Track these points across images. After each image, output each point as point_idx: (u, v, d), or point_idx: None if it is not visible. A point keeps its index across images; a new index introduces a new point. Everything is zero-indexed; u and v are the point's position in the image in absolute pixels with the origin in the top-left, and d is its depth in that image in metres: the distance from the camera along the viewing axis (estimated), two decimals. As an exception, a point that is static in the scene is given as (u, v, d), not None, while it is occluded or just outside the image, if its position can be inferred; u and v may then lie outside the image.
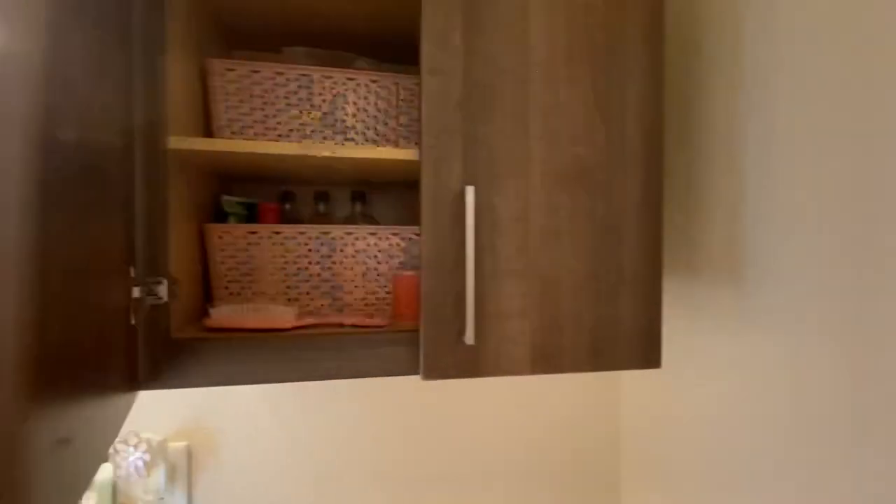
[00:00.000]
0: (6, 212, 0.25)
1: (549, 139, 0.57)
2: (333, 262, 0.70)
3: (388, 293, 0.72)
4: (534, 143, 0.57)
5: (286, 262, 0.69)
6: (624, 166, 0.60)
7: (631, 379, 0.95)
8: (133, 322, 0.47)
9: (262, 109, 0.68)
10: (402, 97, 0.72)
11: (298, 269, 0.69)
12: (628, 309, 0.60)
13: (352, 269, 0.71)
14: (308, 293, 0.70)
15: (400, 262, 0.72)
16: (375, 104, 0.71)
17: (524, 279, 0.57)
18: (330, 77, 0.69)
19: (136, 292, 0.50)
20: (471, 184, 0.55)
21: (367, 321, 0.62)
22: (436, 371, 0.54)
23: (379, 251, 0.72)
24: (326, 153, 0.59)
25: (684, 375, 0.77)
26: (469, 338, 0.53)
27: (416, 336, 0.57)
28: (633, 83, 0.60)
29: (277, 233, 0.69)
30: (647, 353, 0.60)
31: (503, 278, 0.56)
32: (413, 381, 0.90)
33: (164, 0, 0.53)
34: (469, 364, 0.55)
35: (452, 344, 0.54)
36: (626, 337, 0.60)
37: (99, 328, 0.40)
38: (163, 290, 0.51)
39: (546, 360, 0.57)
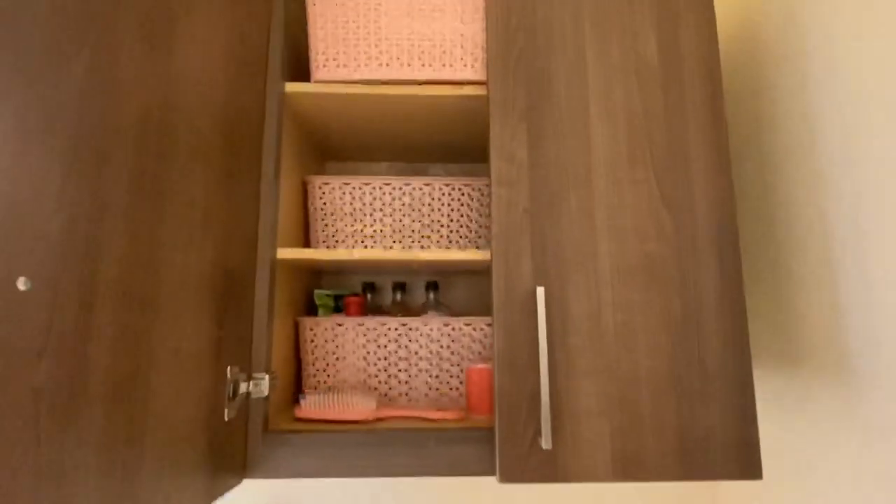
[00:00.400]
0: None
1: (616, 237, 0.59)
2: (410, 353, 0.74)
3: (461, 383, 0.74)
4: (601, 241, 0.59)
5: (367, 352, 0.74)
6: (697, 260, 0.59)
7: (728, 490, 0.85)
8: (227, 418, 0.53)
9: (352, 215, 0.77)
10: (473, 199, 0.79)
11: (378, 358, 0.74)
12: (717, 411, 0.56)
13: (426, 358, 0.74)
14: (386, 381, 0.73)
15: (473, 353, 0.75)
16: (449, 206, 0.78)
17: (600, 378, 0.56)
18: (409, 184, 0.78)
19: (242, 387, 0.56)
20: (541, 284, 0.57)
21: (440, 415, 0.64)
22: (513, 474, 0.54)
23: (452, 341, 0.75)
24: (407, 257, 0.65)
25: (790, 487, 0.68)
26: (546, 440, 0.52)
27: (492, 435, 0.58)
28: (699, 178, 0.61)
29: (361, 324, 0.75)
30: (743, 462, 0.55)
31: (578, 377, 0.56)
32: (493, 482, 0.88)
33: (281, 130, 0.66)
34: (547, 468, 0.54)
35: (528, 446, 0.54)
36: (718, 443, 0.55)
37: (202, 426, 0.46)
38: (265, 385, 0.58)
39: (629, 466, 0.54)
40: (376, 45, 0.67)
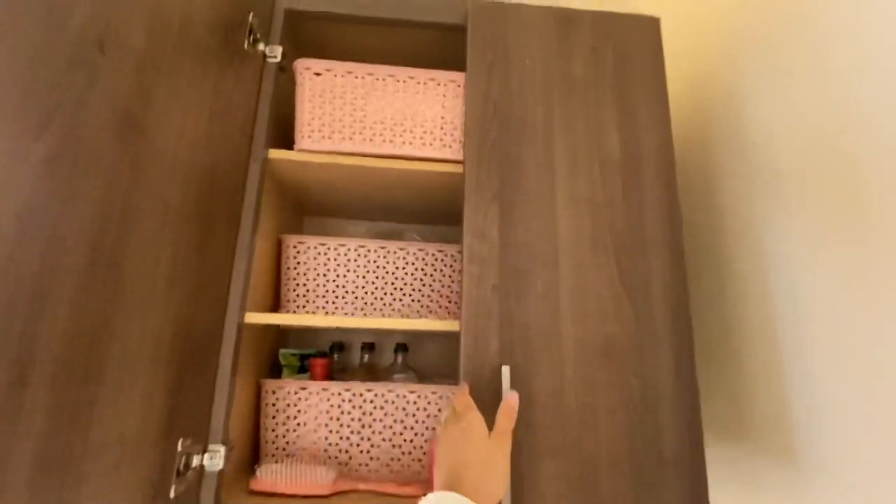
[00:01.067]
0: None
1: (579, 319, 0.62)
2: (374, 420, 0.73)
3: (424, 454, 0.73)
4: (565, 322, 0.62)
5: (330, 419, 0.72)
6: (654, 342, 0.62)
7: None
8: (173, 495, 0.50)
9: (325, 276, 0.78)
10: (446, 264, 0.81)
11: (341, 425, 0.72)
12: (673, 493, 0.57)
13: (391, 427, 0.73)
14: (347, 451, 0.72)
15: (440, 421, 0.74)
16: (422, 270, 0.80)
17: (563, 459, 0.57)
18: (384, 248, 0.80)
19: (195, 460, 0.54)
20: (507, 362, 0.59)
21: (401, 490, 0.63)
22: (471, 560, 0.53)
23: (418, 409, 0.74)
24: (376, 326, 0.66)
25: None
26: (506, 524, 0.52)
27: (452, 514, 0.57)
28: (655, 264, 0.65)
29: (325, 389, 0.73)
30: (698, 547, 0.56)
31: (541, 457, 0.57)
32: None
33: (261, 197, 0.67)
34: (506, 552, 0.53)
35: (488, 529, 0.53)
36: (674, 527, 0.56)
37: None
38: (220, 457, 0.55)
39: (587, 552, 0.54)
40: (360, 121, 0.70)
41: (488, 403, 0.57)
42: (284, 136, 0.75)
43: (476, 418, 0.50)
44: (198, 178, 0.55)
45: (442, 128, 0.72)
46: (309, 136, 0.70)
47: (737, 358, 0.74)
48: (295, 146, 0.70)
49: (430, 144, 0.71)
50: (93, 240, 0.40)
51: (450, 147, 0.72)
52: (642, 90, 0.72)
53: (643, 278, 0.65)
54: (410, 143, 0.71)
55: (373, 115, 0.70)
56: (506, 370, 0.57)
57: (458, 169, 0.71)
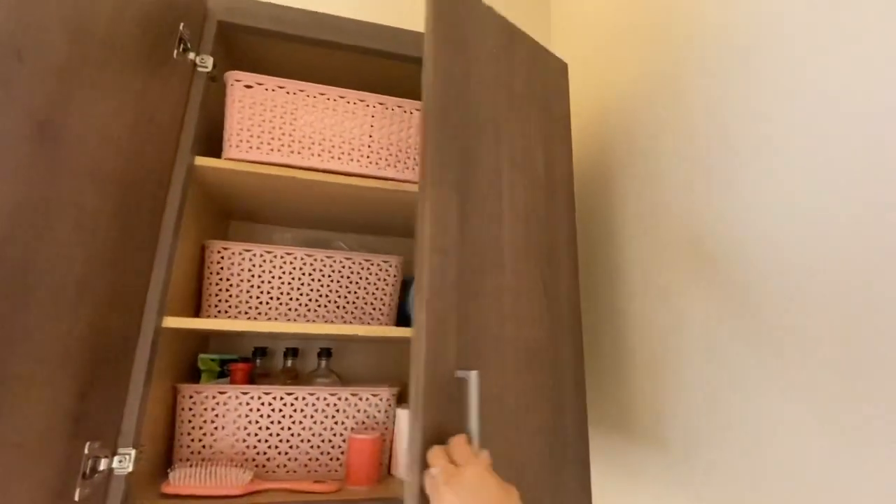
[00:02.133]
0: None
1: (517, 321, 0.67)
2: (293, 423, 0.75)
3: (342, 454, 0.76)
4: (507, 324, 0.66)
5: (249, 422, 0.74)
6: (562, 344, 0.71)
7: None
8: (77, 498, 0.50)
9: (250, 282, 0.79)
10: (372, 273, 0.86)
11: (259, 428, 0.74)
12: (572, 481, 0.65)
13: (310, 428, 0.76)
14: (265, 453, 0.73)
15: (358, 423, 0.78)
16: (348, 278, 0.84)
17: (502, 462, 0.61)
18: (311, 255, 0.83)
19: (103, 464, 0.54)
20: (464, 366, 0.59)
21: (316, 487, 0.66)
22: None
23: (337, 411, 0.78)
24: (300, 330, 0.69)
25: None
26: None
27: (364, 506, 0.61)
28: (563, 274, 0.74)
29: (245, 393, 0.75)
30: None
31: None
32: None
33: (184, 204, 0.68)
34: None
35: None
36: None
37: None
38: (129, 460, 0.56)
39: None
40: (290, 135, 0.73)
41: (444, 409, 0.54)
42: (214, 144, 0.76)
43: (482, 465, 0.45)
44: (118, 183, 0.56)
45: (369, 146, 0.77)
46: (237, 146, 0.72)
47: (624, 363, 0.85)
48: (223, 154, 0.72)
49: (357, 161, 0.76)
50: (2, 241, 0.40)
51: (376, 164, 0.77)
52: (557, 119, 0.81)
53: (555, 287, 0.73)
54: (339, 159, 0.75)
55: (302, 130, 0.74)
56: (474, 375, 0.52)
57: (383, 185, 0.76)
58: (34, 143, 0.44)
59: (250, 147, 0.72)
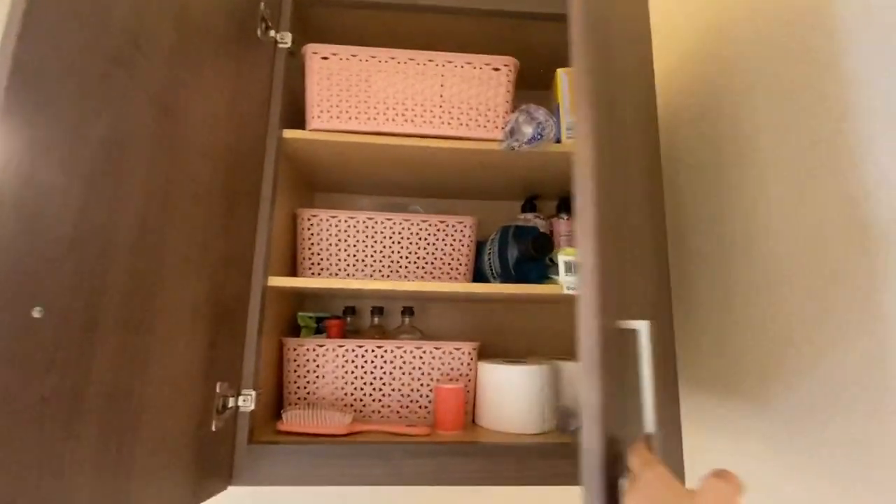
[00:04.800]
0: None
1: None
2: (384, 373, 0.82)
3: (430, 402, 0.81)
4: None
5: (345, 372, 0.81)
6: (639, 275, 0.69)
7: None
8: (214, 429, 0.59)
9: (337, 245, 0.85)
10: (448, 234, 0.88)
11: (355, 377, 0.81)
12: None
13: (399, 378, 0.82)
14: (361, 399, 0.81)
15: (442, 374, 0.83)
16: (425, 240, 0.87)
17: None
18: (390, 219, 0.87)
19: (231, 402, 0.63)
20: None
21: (410, 430, 0.72)
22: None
23: (423, 363, 0.83)
24: (385, 287, 0.73)
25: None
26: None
27: (454, 447, 0.65)
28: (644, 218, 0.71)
29: (341, 346, 0.82)
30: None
31: (528, 399, 0.64)
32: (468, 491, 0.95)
33: (277, 173, 0.74)
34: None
35: (483, 458, 0.62)
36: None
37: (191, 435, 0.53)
38: (252, 400, 0.64)
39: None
40: (365, 101, 0.76)
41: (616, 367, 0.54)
42: (298, 117, 0.81)
43: (657, 473, 0.37)
44: (223, 157, 0.62)
45: (441, 106, 0.77)
46: (319, 117, 0.76)
47: (723, 317, 0.80)
48: (306, 126, 0.76)
49: (430, 122, 0.77)
50: (141, 210, 0.47)
51: (448, 124, 0.77)
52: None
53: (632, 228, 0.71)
54: (412, 121, 0.77)
55: (376, 95, 0.76)
56: (644, 326, 0.42)
57: (455, 144, 0.77)
58: (157, 122, 0.50)
59: (331, 117, 0.76)
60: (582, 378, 0.38)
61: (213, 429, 0.59)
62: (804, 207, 0.63)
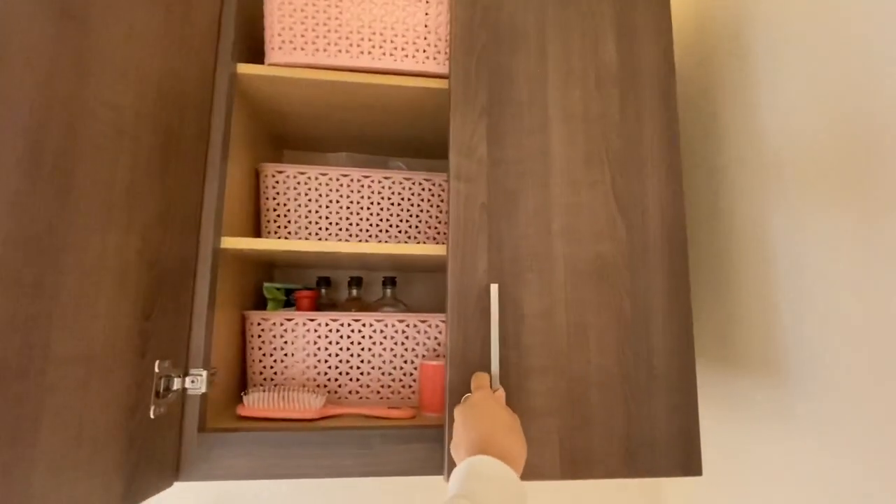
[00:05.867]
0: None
1: (571, 237, 0.59)
2: (362, 349, 0.72)
3: (414, 381, 0.72)
4: (556, 241, 0.59)
5: (318, 349, 0.71)
6: (647, 261, 0.60)
7: (673, 485, 0.88)
8: (153, 416, 0.49)
9: (307, 206, 0.74)
10: (434, 194, 0.78)
11: (329, 355, 0.71)
12: (662, 409, 0.57)
13: (380, 355, 0.72)
14: (336, 379, 0.71)
15: (428, 350, 0.73)
16: (409, 200, 0.77)
17: (551, 376, 0.56)
18: (368, 177, 0.76)
19: (176, 383, 0.53)
20: (496, 281, 0.57)
21: (391, 413, 0.62)
22: (459, 473, 0.53)
23: (406, 338, 0.73)
24: (363, 251, 0.63)
25: (729, 483, 0.71)
26: (494, 438, 0.52)
27: (440, 432, 0.57)
28: (652, 182, 0.62)
29: (312, 319, 0.72)
30: (685, 459, 0.57)
31: (529, 375, 0.56)
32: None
33: (230, 112, 0.62)
34: (494, 466, 0.53)
35: (477, 444, 0.53)
36: (663, 440, 0.57)
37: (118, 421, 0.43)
38: (202, 381, 0.54)
39: (577, 465, 0.54)
40: (336, 31, 0.64)
41: (476, 324, 0.56)
42: (256, 55, 0.69)
43: (489, 392, 0.50)
44: (156, 85, 0.50)
45: (425, 38, 0.66)
46: (280, 48, 0.64)
47: (729, 281, 0.73)
48: (265, 60, 0.64)
49: (413, 56, 0.66)
50: (33, 137, 0.36)
51: (434, 59, 0.66)
52: (647, 7, 0.66)
53: (638, 196, 0.62)
54: (391, 55, 0.65)
55: (349, 24, 0.64)
56: (494, 288, 0.55)
57: (444, 84, 0.66)
58: (56, 28, 0.38)
59: (294, 48, 0.64)
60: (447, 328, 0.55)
61: (152, 415, 0.49)
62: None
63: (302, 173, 0.74)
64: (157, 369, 0.49)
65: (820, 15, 0.58)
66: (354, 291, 0.85)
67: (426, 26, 0.66)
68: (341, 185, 0.75)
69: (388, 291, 0.85)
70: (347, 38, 0.64)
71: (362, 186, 0.76)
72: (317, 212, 0.75)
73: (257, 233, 0.76)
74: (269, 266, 0.87)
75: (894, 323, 0.48)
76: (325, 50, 0.64)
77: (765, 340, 0.65)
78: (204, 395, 0.55)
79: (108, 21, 0.44)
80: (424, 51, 0.66)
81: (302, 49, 0.64)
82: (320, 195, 0.75)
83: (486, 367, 0.55)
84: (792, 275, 0.61)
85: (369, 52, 0.65)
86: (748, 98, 0.70)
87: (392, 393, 0.72)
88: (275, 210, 0.74)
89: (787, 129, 0.63)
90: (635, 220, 0.61)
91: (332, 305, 0.86)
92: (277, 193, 0.74)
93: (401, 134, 0.84)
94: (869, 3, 0.52)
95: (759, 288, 0.67)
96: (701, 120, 0.80)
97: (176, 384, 0.53)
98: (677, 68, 0.89)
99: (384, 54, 0.65)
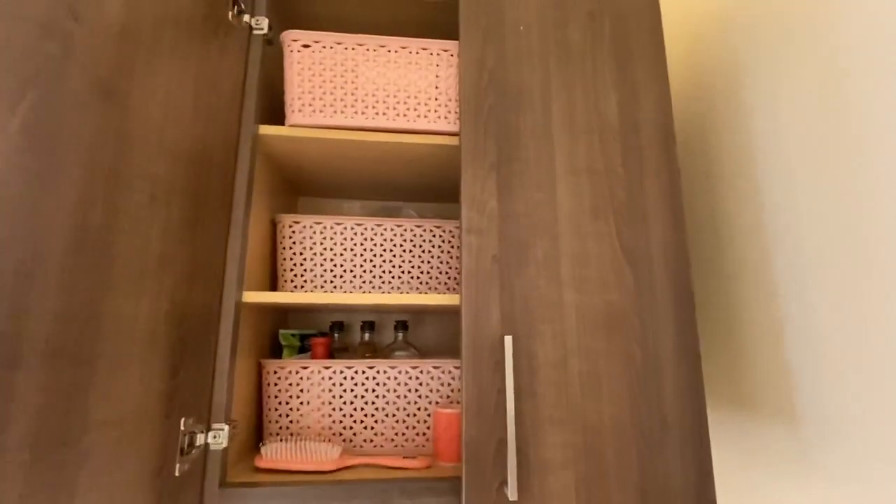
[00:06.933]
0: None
1: (580, 287, 0.61)
2: (376, 396, 0.73)
3: (428, 428, 0.73)
4: (566, 291, 0.61)
5: (333, 396, 0.72)
6: (655, 310, 0.62)
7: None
8: (178, 473, 0.50)
9: (322, 255, 0.77)
10: (445, 241, 0.80)
11: (344, 402, 0.72)
12: (676, 459, 0.58)
13: (394, 402, 0.73)
14: (351, 427, 0.72)
15: (442, 396, 0.74)
16: (420, 247, 0.79)
17: (566, 427, 0.57)
18: (381, 225, 0.79)
19: (199, 439, 0.54)
20: (509, 332, 0.58)
21: (407, 463, 0.63)
22: (478, 527, 0.53)
23: (420, 384, 0.74)
24: (379, 302, 0.65)
25: (750, 529, 0.70)
26: (512, 492, 0.52)
27: (458, 484, 0.57)
28: (656, 231, 0.65)
29: (327, 367, 0.73)
30: (701, 509, 0.57)
31: (545, 426, 0.57)
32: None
33: (252, 174, 0.65)
34: (512, 520, 0.53)
35: (494, 498, 0.54)
36: (678, 488, 0.57)
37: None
38: (224, 435, 0.55)
39: (592, 516, 0.55)
40: (352, 94, 0.68)
41: (491, 375, 0.57)
42: (276, 112, 0.73)
43: None
44: (186, 153, 0.53)
45: (436, 99, 0.70)
46: (300, 111, 0.68)
47: (737, 322, 0.74)
48: (286, 121, 0.68)
49: (425, 116, 0.70)
50: (78, 215, 0.39)
51: (445, 118, 0.70)
52: (640, 54, 0.70)
53: (643, 245, 0.64)
54: (405, 116, 0.69)
55: (364, 88, 0.68)
56: (508, 340, 0.57)
57: (454, 141, 0.69)
58: (99, 108, 0.41)
59: (313, 111, 0.68)
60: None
61: (177, 473, 0.50)
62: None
63: (318, 223, 0.77)
64: (182, 427, 0.51)
65: (810, 62, 0.62)
66: (367, 335, 0.87)
67: (437, 87, 0.70)
68: (355, 234, 0.78)
69: (400, 335, 0.86)
70: (363, 100, 0.68)
71: (375, 234, 0.79)
72: (332, 260, 0.77)
73: (273, 279, 0.79)
74: (283, 312, 0.89)
75: (901, 374, 0.49)
76: (342, 112, 0.68)
77: (776, 386, 0.66)
78: (225, 450, 0.56)
79: (146, 100, 0.47)
80: (436, 111, 0.70)
81: (321, 111, 0.68)
82: (335, 244, 0.77)
83: (502, 418, 0.56)
84: (800, 315, 0.62)
85: (384, 113, 0.68)
86: (745, 145, 0.73)
87: (406, 441, 0.72)
88: (291, 259, 0.77)
89: (783, 174, 0.65)
90: (642, 268, 0.63)
91: (345, 349, 0.87)
92: (294, 243, 0.77)
93: (413, 182, 0.88)
94: (863, 54, 0.55)
95: (767, 329, 0.68)
96: (701, 168, 0.83)
97: (199, 440, 0.54)
98: (676, 115, 0.92)
99: (398, 115, 0.69)
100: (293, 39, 0.68)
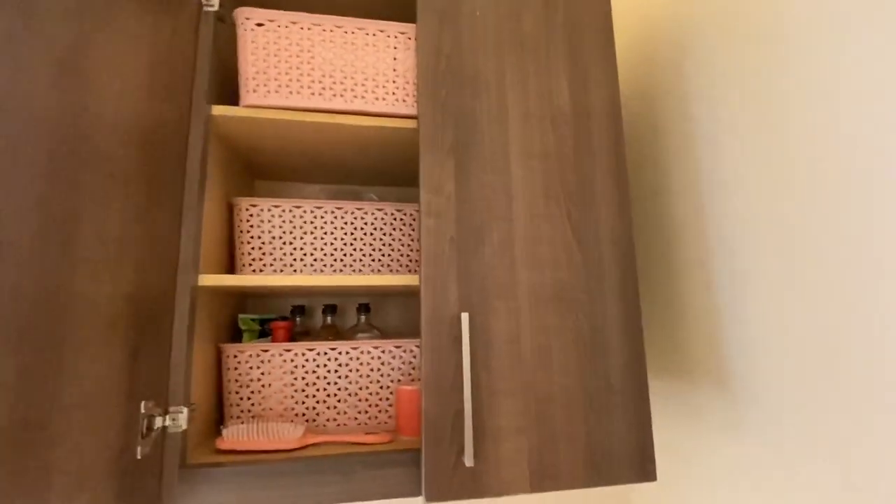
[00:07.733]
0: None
1: (533, 266, 0.65)
2: (339, 377, 0.74)
3: (391, 406, 0.75)
4: (520, 270, 0.64)
5: (295, 378, 0.73)
6: (602, 286, 0.66)
7: (639, 494, 0.94)
8: (139, 456, 0.50)
9: (281, 238, 0.76)
10: (405, 224, 0.82)
11: (306, 384, 0.73)
12: (620, 423, 0.63)
13: (356, 382, 0.75)
14: (314, 408, 0.73)
15: (404, 375, 0.76)
16: (381, 230, 0.80)
17: (519, 397, 0.61)
18: (341, 208, 0.79)
19: (158, 422, 0.54)
20: (466, 309, 0.61)
21: (369, 439, 0.65)
22: (438, 493, 0.56)
23: (382, 364, 0.76)
24: (339, 283, 0.66)
25: (687, 487, 0.77)
26: (468, 458, 0.55)
27: (419, 456, 0.60)
28: (604, 213, 0.69)
29: (288, 350, 0.74)
30: (641, 467, 0.62)
31: (499, 397, 0.60)
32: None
33: (206, 155, 0.64)
34: (470, 485, 0.57)
35: (453, 465, 0.57)
36: (620, 450, 0.62)
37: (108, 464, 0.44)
38: (182, 418, 0.55)
39: (544, 478, 0.59)
40: (308, 75, 0.68)
41: (449, 351, 0.60)
42: (230, 91, 0.72)
43: None
44: (140, 133, 0.52)
45: (394, 81, 0.70)
46: (254, 91, 0.67)
47: (677, 297, 0.80)
48: (240, 102, 0.67)
49: (383, 99, 0.70)
50: (44, 192, 0.37)
51: (403, 101, 0.71)
52: (592, 44, 0.73)
53: (592, 226, 0.68)
54: (362, 98, 0.69)
55: (321, 69, 0.68)
56: (465, 316, 0.59)
57: (412, 124, 0.70)
58: (59, 85, 0.40)
59: (268, 91, 0.67)
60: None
61: (139, 455, 0.50)
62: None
63: (276, 206, 0.77)
64: (142, 409, 0.50)
65: (754, 53, 0.67)
66: (329, 319, 0.87)
67: (395, 70, 0.70)
68: (315, 218, 0.78)
69: (363, 318, 0.88)
70: (320, 81, 0.68)
71: (335, 218, 0.79)
72: (291, 243, 0.77)
73: (231, 264, 0.78)
74: (242, 296, 0.88)
75: (830, 326, 0.55)
76: (298, 93, 0.67)
77: (709, 354, 0.72)
78: (184, 433, 0.56)
79: (101, 75, 0.46)
80: (394, 93, 0.70)
81: (276, 92, 0.67)
82: (294, 227, 0.77)
83: (459, 391, 0.59)
84: (732, 294, 0.69)
85: (341, 95, 0.68)
86: (686, 133, 0.78)
87: (369, 419, 0.74)
88: (249, 243, 0.76)
89: (721, 158, 0.71)
90: (590, 248, 0.67)
91: (306, 333, 0.88)
92: (251, 227, 0.76)
93: (372, 165, 0.88)
94: (809, 37, 0.60)
95: (703, 305, 0.74)
96: (648, 151, 0.88)
97: (157, 423, 0.54)
98: (625, 103, 0.97)
99: (356, 97, 0.69)
100: (246, 17, 0.66)
